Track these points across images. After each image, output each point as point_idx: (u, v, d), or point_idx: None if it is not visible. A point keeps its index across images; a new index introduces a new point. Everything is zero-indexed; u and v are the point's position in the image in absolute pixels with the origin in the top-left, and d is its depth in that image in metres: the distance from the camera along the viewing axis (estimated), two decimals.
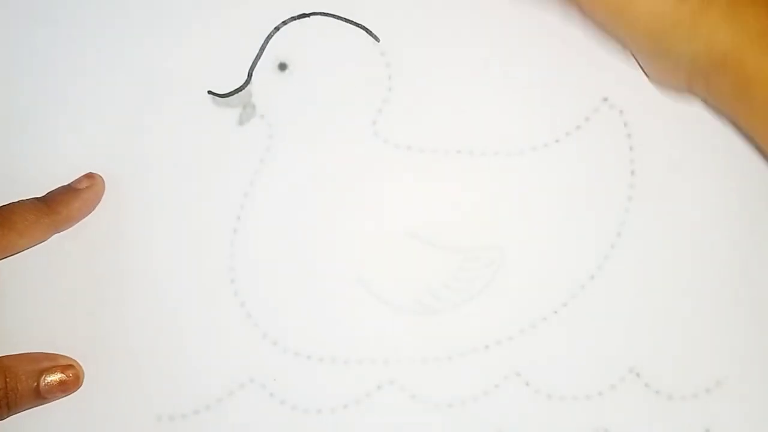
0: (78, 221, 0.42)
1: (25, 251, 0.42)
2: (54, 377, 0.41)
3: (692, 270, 0.42)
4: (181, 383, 0.42)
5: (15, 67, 0.44)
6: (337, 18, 0.44)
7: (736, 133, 0.42)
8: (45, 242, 0.42)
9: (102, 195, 0.43)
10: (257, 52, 0.44)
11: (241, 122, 0.44)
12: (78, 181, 0.42)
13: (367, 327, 0.42)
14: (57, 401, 0.41)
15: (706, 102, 0.41)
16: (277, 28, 0.44)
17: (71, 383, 0.41)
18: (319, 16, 0.44)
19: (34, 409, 0.41)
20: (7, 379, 0.39)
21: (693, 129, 0.43)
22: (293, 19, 0.44)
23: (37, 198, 0.42)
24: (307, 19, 0.44)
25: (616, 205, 0.42)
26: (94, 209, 0.43)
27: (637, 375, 0.41)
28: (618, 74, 0.43)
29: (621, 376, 0.41)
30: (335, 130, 0.43)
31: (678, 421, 0.41)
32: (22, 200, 0.41)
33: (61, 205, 0.41)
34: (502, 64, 0.43)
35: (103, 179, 0.43)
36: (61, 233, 0.42)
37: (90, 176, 0.43)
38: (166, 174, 0.43)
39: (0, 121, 0.43)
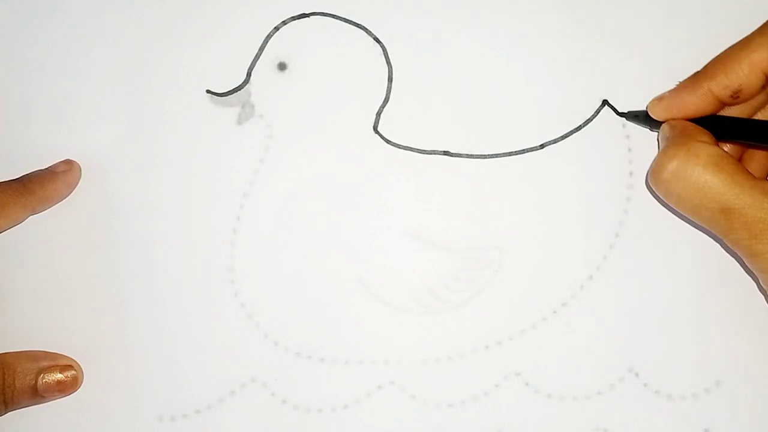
0: (54, 202, 0.42)
1: (23, 251, 0.42)
2: (52, 377, 0.41)
3: (691, 270, 0.42)
4: (183, 383, 0.42)
5: (15, 67, 0.44)
6: (337, 18, 0.44)
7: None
8: (46, 244, 0.42)
9: (78, 179, 0.43)
10: (257, 51, 0.44)
11: (240, 122, 0.43)
12: (55, 165, 0.42)
13: (368, 327, 0.42)
14: (59, 400, 0.41)
15: None
16: (276, 28, 0.44)
17: (69, 384, 0.41)
18: (318, 16, 0.44)
19: (35, 407, 0.41)
20: (5, 376, 0.39)
21: None
22: (293, 18, 0.44)
23: (12, 179, 0.42)
24: (306, 19, 0.44)
25: (614, 206, 0.43)
26: (71, 192, 0.43)
27: (637, 375, 0.42)
28: (617, 75, 0.43)
29: (620, 376, 0.42)
30: (335, 130, 0.43)
31: (677, 421, 0.41)
32: None
33: (37, 186, 0.41)
34: (502, 64, 0.43)
35: (79, 165, 0.43)
36: (61, 234, 0.42)
37: (67, 161, 0.43)
38: (166, 173, 0.43)
39: None
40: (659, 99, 0.39)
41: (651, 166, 0.38)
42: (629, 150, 0.43)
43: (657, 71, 0.43)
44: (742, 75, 0.35)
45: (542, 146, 0.43)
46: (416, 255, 0.42)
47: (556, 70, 0.43)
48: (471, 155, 0.43)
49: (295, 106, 0.44)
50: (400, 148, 0.43)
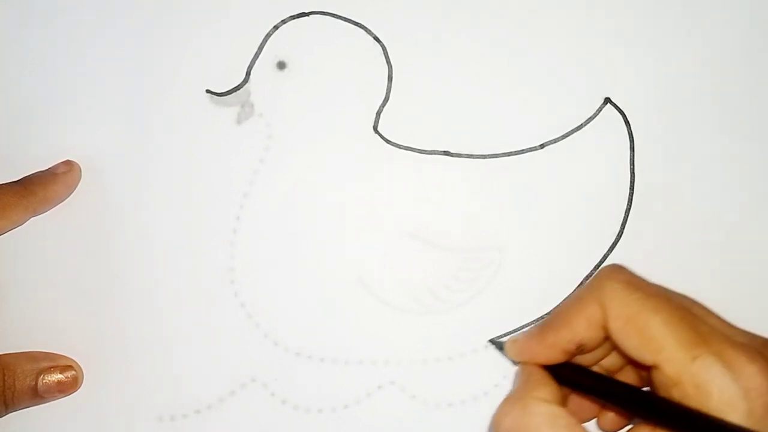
0: (55, 204, 0.42)
1: (23, 252, 0.42)
2: (52, 377, 0.41)
3: (691, 270, 0.42)
4: (183, 383, 0.42)
5: (14, 67, 0.44)
6: (337, 17, 0.44)
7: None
8: (46, 244, 0.42)
9: (79, 180, 0.43)
10: (256, 50, 0.44)
11: (239, 121, 0.43)
12: (55, 166, 0.42)
13: (368, 327, 0.42)
14: (59, 400, 0.41)
15: None
16: (276, 27, 0.44)
17: (69, 384, 0.41)
18: (318, 15, 0.44)
19: (35, 408, 0.41)
20: (6, 377, 0.39)
21: (693, 129, 0.43)
22: (292, 17, 0.44)
23: (13, 181, 0.42)
24: (306, 18, 0.44)
25: (615, 205, 0.43)
26: (71, 193, 0.43)
27: None
28: (619, 74, 0.43)
29: None
30: (335, 129, 0.43)
31: None
32: None
33: (38, 187, 0.41)
34: (503, 64, 0.43)
35: (79, 166, 0.43)
36: (61, 235, 0.42)
37: (67, 162, 0.43)
38: (166, 173, 0.43)
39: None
40: (513, 341, 0.38)
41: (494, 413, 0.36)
42: (630, 149, 0.43)
43: (659, 69, 0.43)
44: (582, 330, 0.34)
45: (542, 146, 0.43)
46: (416, 255, 0.42)
47: (556, 69, 0.43)
48: (471, 155, 0.43)
49: (294, 106, 0.43)
50: (400, 148, 0.43)
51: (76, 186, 0.43)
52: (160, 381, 0.42)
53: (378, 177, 0.43)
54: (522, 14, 0.43)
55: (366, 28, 0.44)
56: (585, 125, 0.43)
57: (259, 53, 0.44)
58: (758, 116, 0.43)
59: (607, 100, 0.43)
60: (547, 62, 0.43)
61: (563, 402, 0.36)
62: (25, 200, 0.41)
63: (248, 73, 0.43)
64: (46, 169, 0.42)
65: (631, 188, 0.42)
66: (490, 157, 0.43)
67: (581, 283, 0.42)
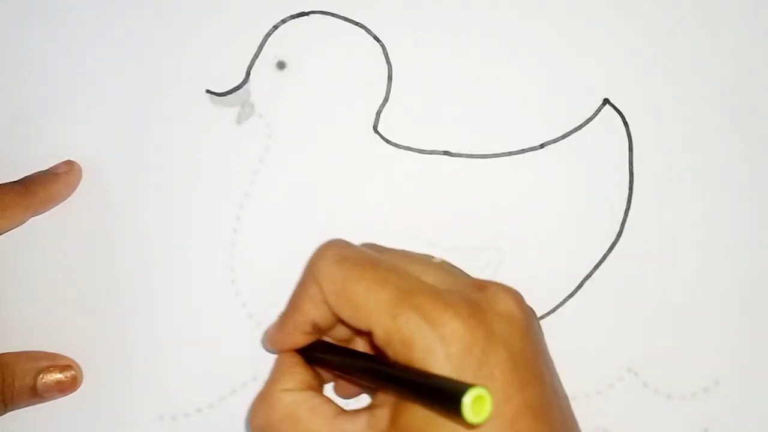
0: (55, 203, 0.42)
1: (24, 251, 0.42)
2: (51, 377, 0.41)
3: (691, 270, 0.42)
4: (184, 382, 0.42)
5: (14, 67, 0.44)
6: (337, 17, 0.44)
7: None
8: (46, 244, 0.42)
9: (79, 180, 0.43)
10: (255, 50, 0.44)
11: (239, 121, 0.43)
12: (56, 166, 0.43)
13: None
14: (60, 400, 0.41)
15: None
16: (275, 27, 0.44)
17: (68, 384, 0.41)
18: (318, 15, 0.44)
19: (35, 407, 0.41)
20: (5, 376, 0.39)
21: (693, 129, 0.43)
22: (292, 17, 0.44)
23: (14, 181, 0.42)
24: (306, 17, 0.44)
25: (615, 205, 0.43)
26: (71, 193, 0.43)
27: (636, 374, 0.42)
28: (618, 74, 0.43)
29: (619, 375, 0.42)
30: (335, 129, 0.43)
31: (676, 421, 0.41)
32: None
33: (39, 187, 0.41)
34: (503, 64, 0.43)
35: (80, 166, 0.43)
36: (61, 234, 0.43)
37: (68, 162, 0.43)
38: (166, 173, 0.43)
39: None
40: (265, 333, 0.39)
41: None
42: (630, 149, 0.43)
43: (658, 69, 0.43)
44: (311, 311, 0.35)
45: (542, 146, 0.43)
46: None
47: (556, 69, 0.43)
48: (471, 155, 0.43)
49: (294, 106, 0.43)
50: (400, 148, 0.43)
51: (77, 186, 0.43)
52: (161, 380, 0.42)
53: (378, 177, 0.43)
54: (522, 14, 0.43)
55: (366, 27, 0.44)
56: (584, 125, 0.43)
57: (259, 53, 0.44)
58: (758, 116, 0.43)
59: (606, 101, 0.43)
60: (547, 62, 0.43)
61: (317, 384, 0.36)
62: (26, 200, 0.41)
63: (248, 73, 0.44)
64: (47, 169, 0.42)
65: (630, 188, 0.43)
66: (490, 157, 0.43)
67: (581, 284, 0.42)
